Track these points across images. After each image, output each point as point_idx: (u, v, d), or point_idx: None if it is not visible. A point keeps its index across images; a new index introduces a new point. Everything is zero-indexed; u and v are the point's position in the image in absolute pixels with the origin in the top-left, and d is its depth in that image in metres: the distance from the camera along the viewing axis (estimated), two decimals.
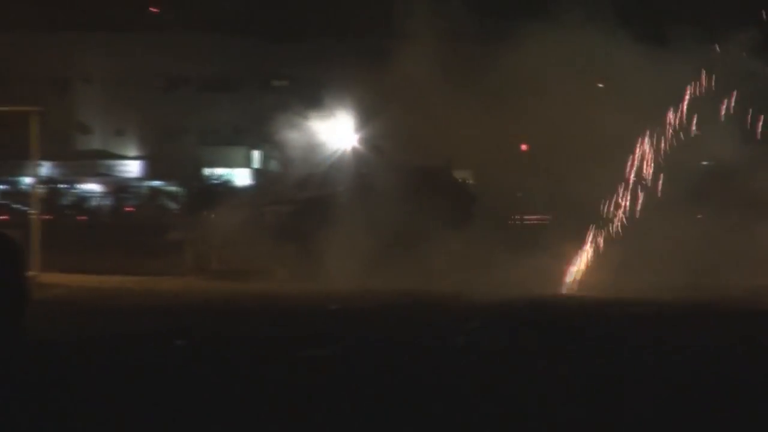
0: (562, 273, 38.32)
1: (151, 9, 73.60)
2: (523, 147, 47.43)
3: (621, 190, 41.20)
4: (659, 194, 41.16)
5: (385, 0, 52.43)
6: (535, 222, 45.46)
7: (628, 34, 44.51)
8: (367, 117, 50.13)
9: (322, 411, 16.75)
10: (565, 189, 41.78)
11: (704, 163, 44.88)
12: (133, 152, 74.89)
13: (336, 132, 51.08)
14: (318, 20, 70.48)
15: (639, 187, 41.32)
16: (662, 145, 41.67)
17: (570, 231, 39.96)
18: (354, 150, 48.43)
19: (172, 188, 62.84)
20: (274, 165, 62.03)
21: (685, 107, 42.17)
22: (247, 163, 71.98)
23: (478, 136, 44.08)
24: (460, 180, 44.05)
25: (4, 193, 62.79)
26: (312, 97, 59.34)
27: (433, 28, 45.30)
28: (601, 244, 39.70)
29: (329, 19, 69.02)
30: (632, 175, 41.52)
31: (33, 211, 41.19)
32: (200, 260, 38.90)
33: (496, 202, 44.10)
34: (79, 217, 57.48)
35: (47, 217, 44.80)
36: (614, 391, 18.51)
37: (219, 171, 69.05)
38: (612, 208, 41.22)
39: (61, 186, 65.89)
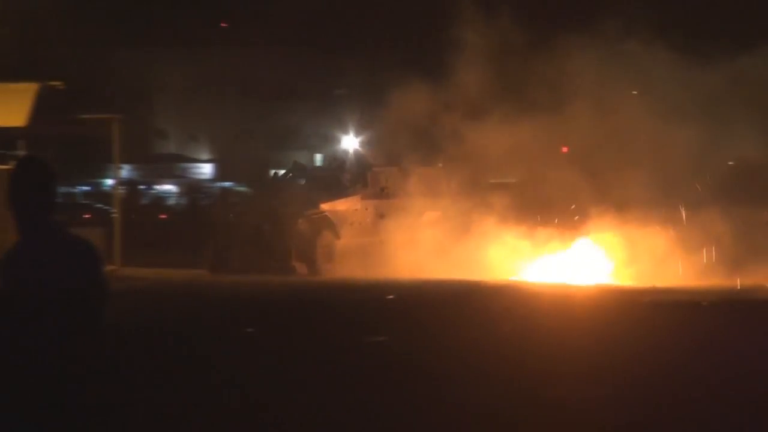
0: None
1: (222, 24, 74.54)
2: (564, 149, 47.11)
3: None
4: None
5: (439, 16, 52.46)
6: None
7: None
8: (416, 125, 50.36)
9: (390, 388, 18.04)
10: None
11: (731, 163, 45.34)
12: (205, 156, 76.16)
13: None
14: (375, 35, 70.64)
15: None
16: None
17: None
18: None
19: (241, 188, 63.44)
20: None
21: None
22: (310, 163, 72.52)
23: (528, 144, 44.09)
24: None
25: (87, 194, 63.95)
26: (367, 106, 61.50)
27: (483, 40, 46.00)
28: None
29: (385, 35, 69.47)
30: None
31: (114, 211, 42.49)
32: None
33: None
34: (161, 216, 58.07)
35: (129, 215, 45.66)
36: None
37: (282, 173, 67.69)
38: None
39: (141, 187, 66.89)
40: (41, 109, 41.34)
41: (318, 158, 71.95)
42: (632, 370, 19.21)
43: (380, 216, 40.87)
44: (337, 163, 45.44)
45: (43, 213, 7.73)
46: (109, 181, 48.66)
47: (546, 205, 42.26)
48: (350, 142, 60.05)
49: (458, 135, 45.43)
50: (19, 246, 8.01)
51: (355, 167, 42.25)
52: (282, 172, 44.10)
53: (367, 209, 40.08)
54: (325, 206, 38.05)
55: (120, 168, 46.60)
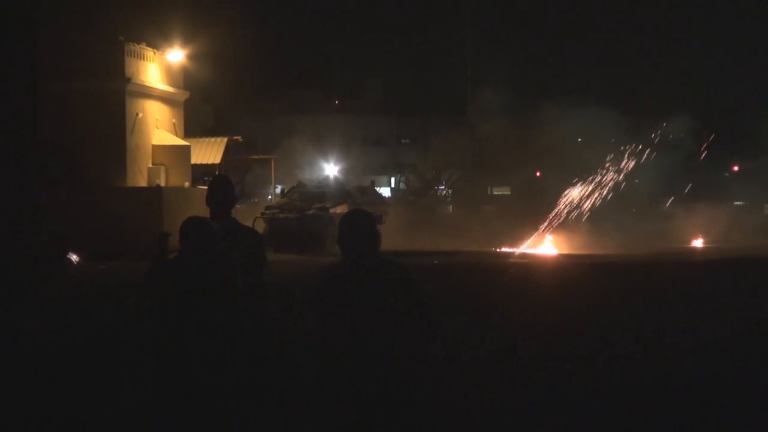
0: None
1: (336, 101, 74.07)
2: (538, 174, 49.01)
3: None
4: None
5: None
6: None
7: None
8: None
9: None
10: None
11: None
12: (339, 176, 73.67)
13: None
14: (428, 101, 70.50)
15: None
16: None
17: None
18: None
19: None
20: (402, 185, 62.80)
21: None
22: (388, 183, 70.50)
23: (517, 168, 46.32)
24: None
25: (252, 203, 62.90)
26: (422, 149, 63.96)
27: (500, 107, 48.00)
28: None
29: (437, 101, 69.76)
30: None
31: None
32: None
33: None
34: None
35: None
36: None
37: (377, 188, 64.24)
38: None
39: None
40: (228, 151, 43.79)
41: (393, 180, 70.09)
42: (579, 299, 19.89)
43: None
44: (328, 182, 42.90)
45: (227, 208, 8.13)
46: (269, 196, 47.41)
47: (529, 207, 42.60)
48: (331, 169, 58.66)
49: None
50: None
51: (341, 185, 40.20)
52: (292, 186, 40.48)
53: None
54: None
55: (276, 187, 47.04)
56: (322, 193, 37.32)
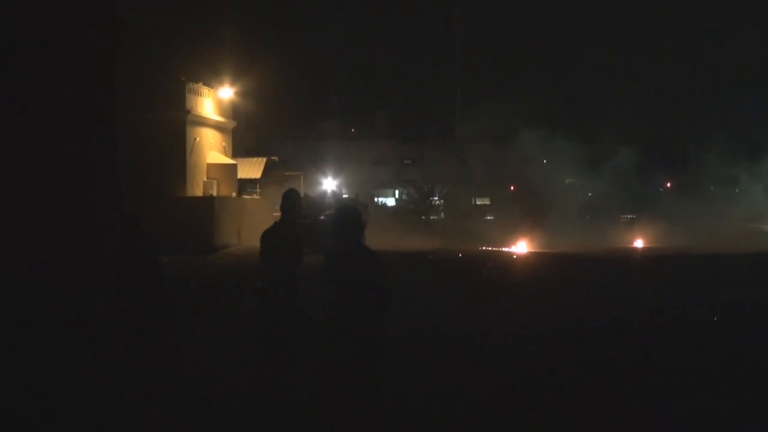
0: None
1: (351, 130, 73.01)
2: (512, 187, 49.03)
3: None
4: None
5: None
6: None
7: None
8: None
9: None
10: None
11: None
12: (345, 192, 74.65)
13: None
14: (425, 129, 70.17)
15: None
16: None
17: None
18: None
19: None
20: (404, 197, 60.88)
21: None
22: (393, 195, 68.86)
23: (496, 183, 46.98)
24: None
25: None
26: (420, 168, 63.57)
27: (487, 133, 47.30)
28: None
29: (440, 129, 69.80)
30: None
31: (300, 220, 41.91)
32: None
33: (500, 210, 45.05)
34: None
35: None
36: None
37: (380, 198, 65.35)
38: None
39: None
40: (267, 168, 43.52)
41: (397, 192, 67.76)
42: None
43: None
44: (326, 195, 41.63)
45: (295, 213, 8.36)
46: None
47: (505, 215, 43.01)
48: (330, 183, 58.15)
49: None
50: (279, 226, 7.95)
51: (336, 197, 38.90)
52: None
53: None
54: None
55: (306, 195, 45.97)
56: (323, 202, 36.64)
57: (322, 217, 32.41)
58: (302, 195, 34.55)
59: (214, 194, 37.99)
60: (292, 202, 8.15)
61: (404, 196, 59.97)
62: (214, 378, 8.80)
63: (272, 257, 8.07)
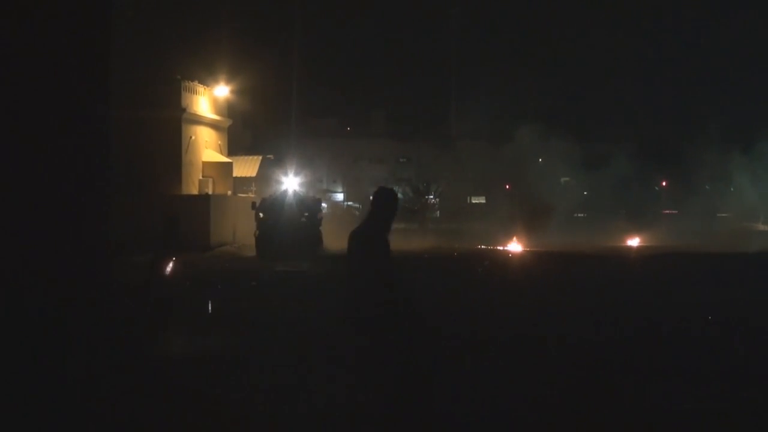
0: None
1: (347, 128, 72.67)
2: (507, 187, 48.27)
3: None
4: None
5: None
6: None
7: None
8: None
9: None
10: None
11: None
12: (340, 191, 71.73)
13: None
14: (421, 128, 68.34)
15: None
16: None
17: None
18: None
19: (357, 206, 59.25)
20: (400, 195, 60.62)
21: None
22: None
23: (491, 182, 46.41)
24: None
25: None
26: (416, 166, 62.74)
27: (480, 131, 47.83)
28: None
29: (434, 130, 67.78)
30: None
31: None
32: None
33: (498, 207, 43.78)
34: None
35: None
36: None
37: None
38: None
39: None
40: (262, 166, 43.48)
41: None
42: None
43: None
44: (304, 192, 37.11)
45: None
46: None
47: (499, 213, 42.17)
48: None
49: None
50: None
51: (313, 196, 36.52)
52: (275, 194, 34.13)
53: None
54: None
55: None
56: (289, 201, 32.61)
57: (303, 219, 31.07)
58: (269, 195, 32.44)
59: (210, 192, 37.75)
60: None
61: (400, 195, 58.77)
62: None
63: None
